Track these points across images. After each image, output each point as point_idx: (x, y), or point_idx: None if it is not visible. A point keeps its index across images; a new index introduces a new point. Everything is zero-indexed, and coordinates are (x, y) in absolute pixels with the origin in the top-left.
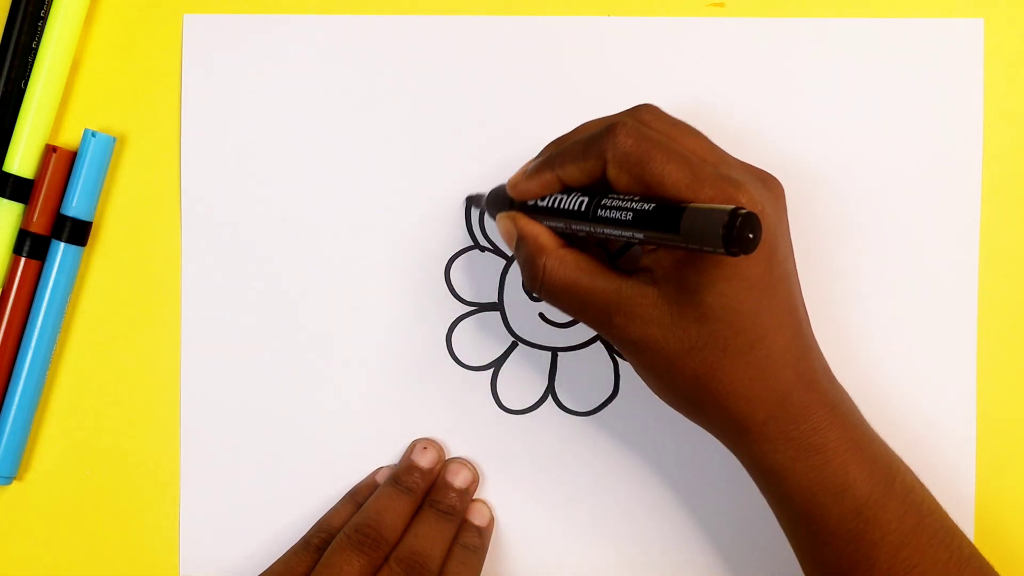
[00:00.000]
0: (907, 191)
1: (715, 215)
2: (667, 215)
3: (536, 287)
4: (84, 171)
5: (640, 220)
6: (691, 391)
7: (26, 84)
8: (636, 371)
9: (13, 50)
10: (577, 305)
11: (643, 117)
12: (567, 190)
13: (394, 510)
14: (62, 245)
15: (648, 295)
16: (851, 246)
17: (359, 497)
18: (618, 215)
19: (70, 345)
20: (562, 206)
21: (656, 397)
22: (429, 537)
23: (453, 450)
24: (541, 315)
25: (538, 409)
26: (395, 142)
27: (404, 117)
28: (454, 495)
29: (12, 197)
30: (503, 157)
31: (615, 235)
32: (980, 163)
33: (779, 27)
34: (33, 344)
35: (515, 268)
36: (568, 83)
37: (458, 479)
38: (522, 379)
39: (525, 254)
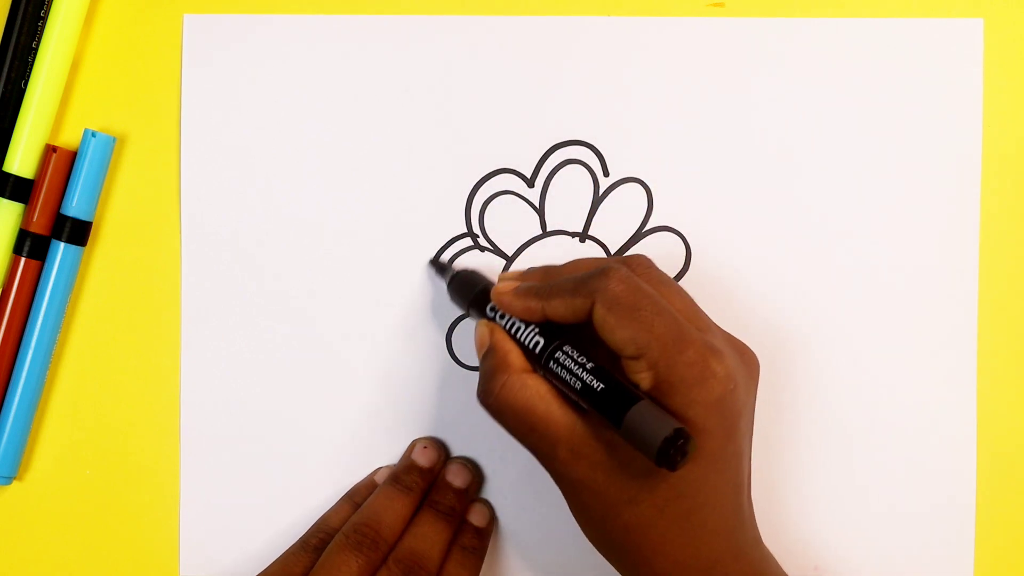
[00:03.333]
0: (907, 191)
1: (660, 427)
2: (613, 404)
3: (489, 400)
4: (84, 171)
5: (587, 394)
6: (621, 542)
7: (26, 84)
8: (570, 508)
9: (13, 50)
10: (525, 429)
11: (634, 267)
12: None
13: (393, 510)
14: (62, 245)
15: (601, 437)
16: (850, 246)
17: (357, 497)
18: (567, 377)
19: (70, 345)
20: (519, 336)
21: None
22: (428, 538)
23: (453, 450)
24: None
25: None
26: (394, 142)
27: (404, 117)
28: (453, 495)
29: (12, 197)
30: (503, 157)
31: (561, 390)
32: (979, 163)
33: (779, 27)
34: (33, 344)
35: (515, 268)
36: (568, 83)
37: (458, 479)
38: None
39: (489, 366)
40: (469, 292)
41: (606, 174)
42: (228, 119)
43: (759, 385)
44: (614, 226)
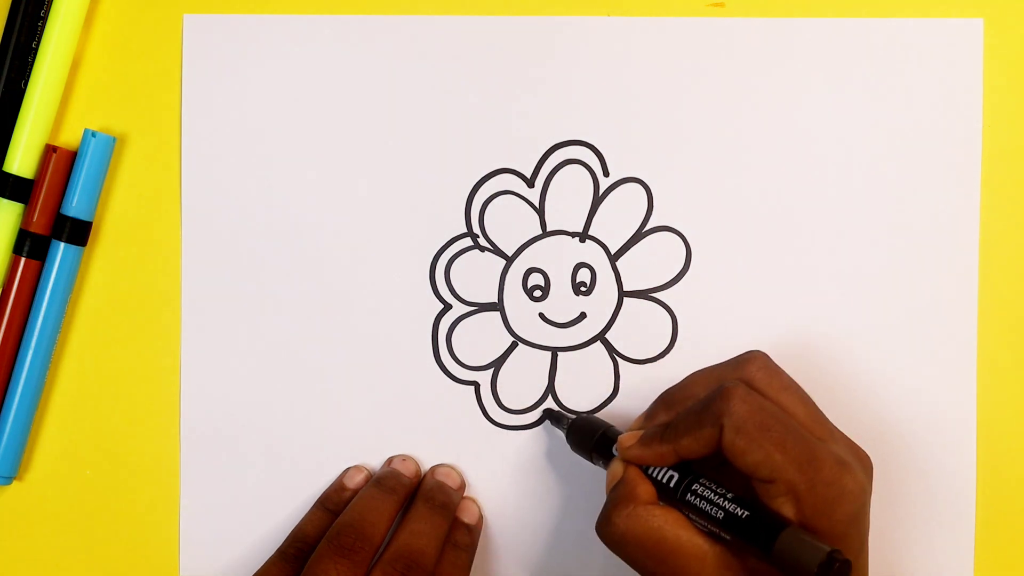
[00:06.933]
0: (907, 191)
1: (813, 553)
2: (760, 531)
3: (610, 528)
4: (84, 171)
5: (730, 523)
6: None
7: (26, 84)
8: None
9: (13, 50)
10: (655, 562)
11: (753, 376)
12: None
13: (377, 510)
14: (62, 245)
15: (735, 566)
16: (850, 246)
17: (329, 503)
18: (707, 508)
19: (70, 345)
20: (651, 474)
21: (653, 395)
22: (424, 534)
23: (454, 449)
24: (541, 315)
25: (538, 409)
26: (394, 142)
27: (404, 117)
28: (446, 492)
29: (12, 197)
30: (504, 157)
31: (700, 523)
32: (979, 163)
33: (779, 27)
34: (33, 344)
35: (515, 268)
36: (568, 83)
37: (448, 480)
38: (522, 379)
39: (615, 496)
40: (589, 439)
41: (606, 174)
42: (228, 119)
43: None
44: (614, 226)
